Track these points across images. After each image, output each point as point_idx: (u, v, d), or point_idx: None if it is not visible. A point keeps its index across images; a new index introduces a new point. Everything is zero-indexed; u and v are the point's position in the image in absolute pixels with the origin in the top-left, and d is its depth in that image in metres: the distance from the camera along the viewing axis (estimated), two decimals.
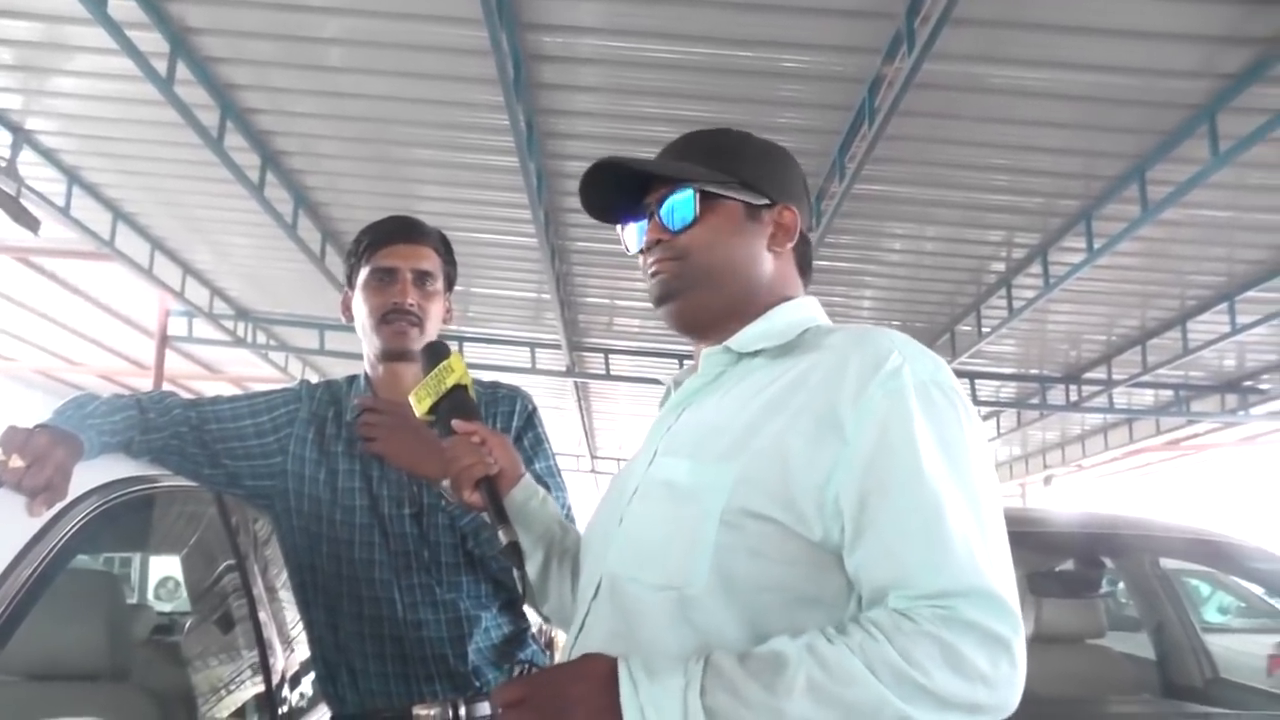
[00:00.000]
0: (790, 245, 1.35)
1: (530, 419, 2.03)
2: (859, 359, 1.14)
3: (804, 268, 1.39)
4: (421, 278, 1.97)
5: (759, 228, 1.33)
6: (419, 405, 1.55)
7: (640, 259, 1.38)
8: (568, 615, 1.48)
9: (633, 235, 1.40)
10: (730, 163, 1.34)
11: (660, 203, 1.33)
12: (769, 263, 1.33)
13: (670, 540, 1.17)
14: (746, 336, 1.29)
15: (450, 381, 1.53)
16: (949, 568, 1.03)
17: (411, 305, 1.94)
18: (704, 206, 1.30)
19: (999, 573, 1.05)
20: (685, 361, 11.00)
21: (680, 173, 1.32)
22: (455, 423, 1.50)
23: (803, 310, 1.33)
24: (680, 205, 1.31)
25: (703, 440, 1.22)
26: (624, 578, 1.21)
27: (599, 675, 1.06)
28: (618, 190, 1.37)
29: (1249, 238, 7.21)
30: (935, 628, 1.00)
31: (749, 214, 1.32)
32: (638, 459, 1.34)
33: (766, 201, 1.33)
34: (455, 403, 1.53)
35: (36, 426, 1.52)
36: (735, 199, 1.31)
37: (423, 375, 1.56)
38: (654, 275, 1.34)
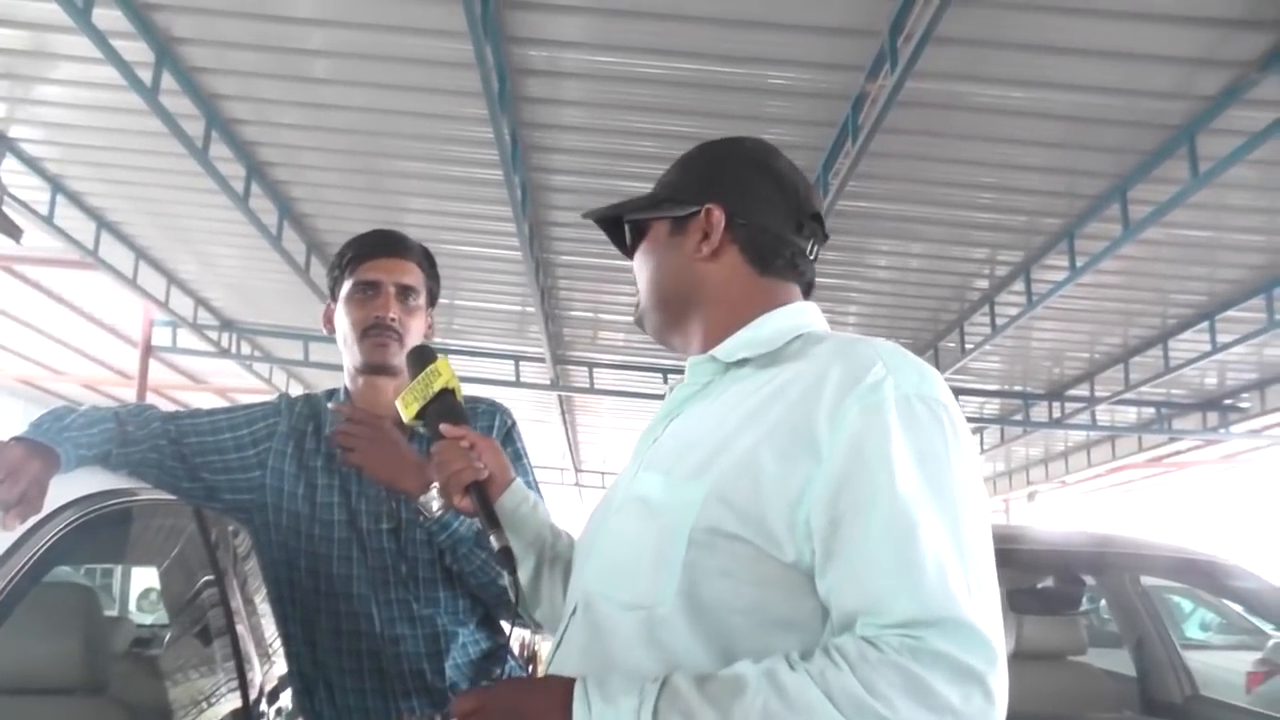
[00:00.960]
0: (714, 246, 1.28)
1: (509, 433, 2.03)
2: (839, 371, 1.10)
3: (764, 259, 1.29)
4: (404, 292, 1.97)
5: (684, 238, 1.31)
6: (406, 410, 1.52)
7: None
8: (560, 622, 1.47)
9: None
10: (663, 180, 1.36)
11: None
12: (703, 269, 1.30)
13: (640, 558, 1.15)
14: (732, 345, 1.25)
15: (438, 386, 1.51)
16: (919, 595, 0.98)
17: (393, 320, 1.93)
18: (637, 234, 1.38)
19: (976, 601, 0.99)
20: (670, 375, 11.02)
21: (606, 213, 1.41)
22: (444, 427, 1.48)
23: (795, 317, 1.27)
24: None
25: (679, 454, 1.19)
26: (597, 595, 1.20)
27: (556, 692, 1.05)
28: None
29: (1229, 257, 7.27)
30: (902, 658, 0.95)
31: (674, 228, 1.32)
32: (624, 473, 1.32)
33: (693, 209, 1.30)
34: (443, 407, 1.51)
35: (11, 439, 1.51)
36: (658, 218, 1.34)
37: (409, 380, 1.54)
38: None
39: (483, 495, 1.43)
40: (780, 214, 1.30)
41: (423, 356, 1.56)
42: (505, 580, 1.40)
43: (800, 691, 0.96)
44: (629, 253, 1.41)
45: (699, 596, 1.09)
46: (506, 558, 1.38)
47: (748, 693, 0.98)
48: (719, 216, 1.28)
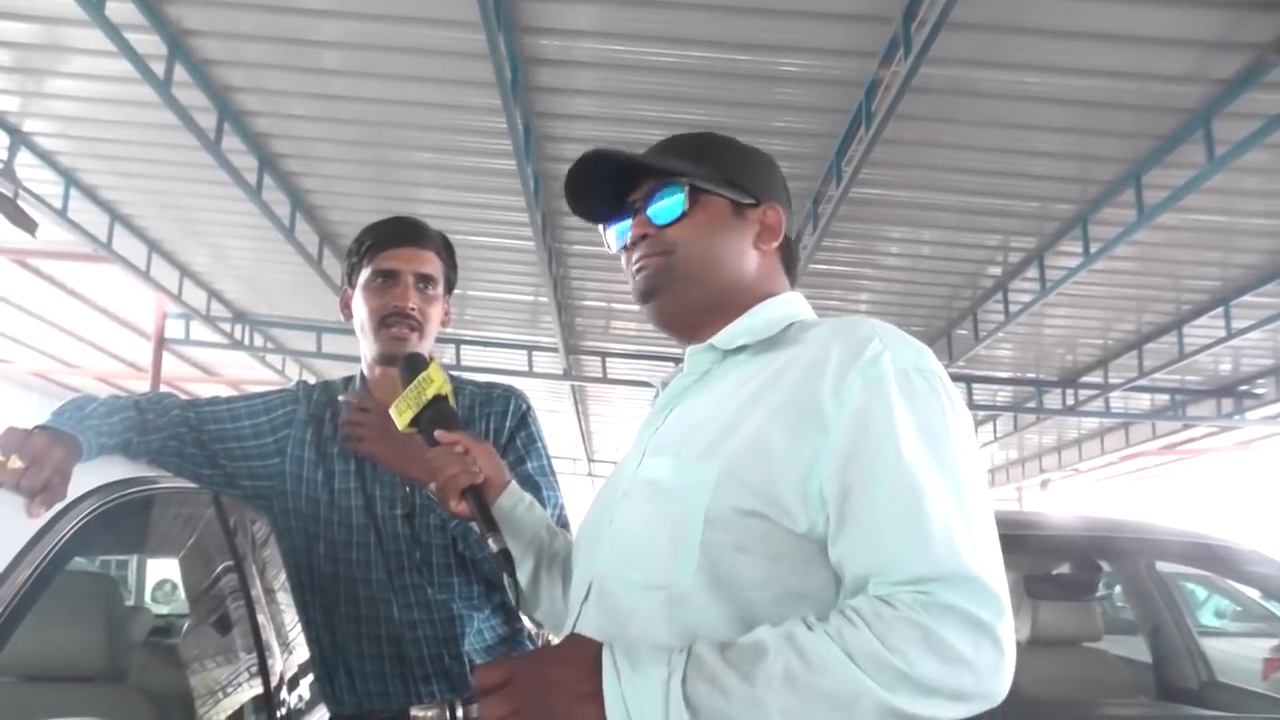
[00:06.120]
0: (775, 245, 1.36)
1: (524, 418, 2.02)
2: (839, 349, 1.14)
3: (789, 271, 1.40)
4: (423, 281, 1.97)
5: (745, 225, 1.34)
6: (400, 419, 1.54)
7: (624, 256, 1.38)
8: (560, 620, 1.47)
9: (615, 234, 1.40)
10: (716, 161, 1.35)
11: (647, 199, 1.33)
12: (754, 260, 1.34)
13: (655, 539, 1.17)
14: (730, 333, 1.29)
15: (430, 392, 1.53)
16: (928, 553, 1.02)
17: (412, 309, 1.93)
18: (692, 202, 1.31)
19: (981, 557, 1.03)
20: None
21: (666, 166, 1.33)
22: (438, 433, 1.50)
23: (787, 306, 1.33)
24: (669, 200, 1.32)
25: (686, 438, 1.22)
26: (612, 578, 1.21)
27: (583, 661, 1.05)
28: (602, 188, 1.38)
29: (1244, 242, 7.23)
30: (915, 613, 0.99)
31: (735, 211, 1.33)
32: (627, 461, 1.34)
33: (751, 200, 1.34)
34: (437, 413, 1.53)
35: (35, 427, 1.52)
36: (722, 195, 1.33)
37: (401, 388, 1.56)
38: (639, 271, 1.34)
39: (479, 499, 1.45)
40: (792, 231, 1.41)
41: (414, 364, 1.57)
42: (505, 582, 1.41)
43: (819, 651, 0.99)
44: (629, 210, 1.36)
45: (717, 573, 1.12)
46: (505, 560, 1.40)
47: (769, 656, 1.00)
48: (780, 219, 1.36)
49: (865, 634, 0.98)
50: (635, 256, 1.34)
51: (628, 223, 1.36)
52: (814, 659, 0.99)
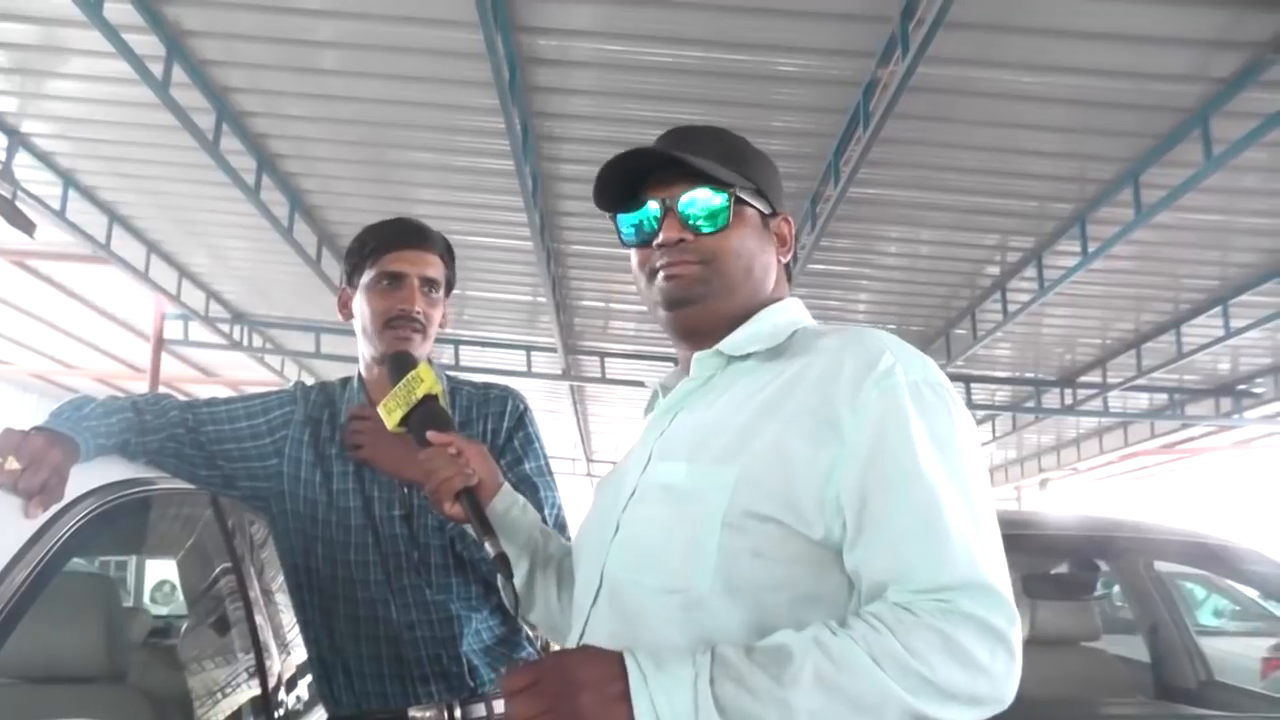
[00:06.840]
0: (790, 256, 1.37)
1: (521, 419, 2.03)
2: (853, 360, 1.16)
3: (789, 276, 1.41)
4: (427, 284, 1.97)
5: (769, 236, 1.34)
6: (389, 418, 1.52)
7: (640, 253, 1.32)
8: (555, 622, 1.49)
9: (635, 227, 1.32)
10: (745, 166, 1.32)
11: (679, 198, 1.28)
12: (775, 271, 1.35)
13: (671, 543, 1.17)
14: (738, 339, 1.29)
15: (420, 392, 1.52)
16: (947, 563, 1.05)
17: (418, 313, 1.93)
18: (734, 211, 1.28)
19: (994, 566, 1.07)
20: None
21: (715, 172, 1.27)
22: (430, 434, 1.48)
23: (790, 312, 1.33)
24: (712, 207, 1.27)
25: (699, 443, 1.22)
26: (626, 581, 1.21)
27: (608, 663, 1.05)
28: (620, 178, 1.32)
29: (1242, 241, 7.24)
30: (936, 620, 1.02)
31: (763, 222, 1.33)
32: (631, 464, 1.34)
33: (771, 210, 1.34)
34: (427, 413, 1.51)
35: (33, 429, 1.52)
36: (756, 207, 1.32)
37: (389, 387, 1.54)
38: (671, 277, 1.28)
39: (474, 501, 1.43)
40: None
41: (401, 363, 1.58)
42: (500, 583, 1.40)
43: (845, 655, 1.01)
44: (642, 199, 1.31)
45: (733, 576, 1.13)
46: (502, 564, 1.38)
47: (796, 658, 1.02)
48: (792, 228, 1.39)
49: (889, 639, 1.01)
50: (666, 260, 1.28)
51: (651, 216, 1.30)
52: (841, 662, 1.01)
